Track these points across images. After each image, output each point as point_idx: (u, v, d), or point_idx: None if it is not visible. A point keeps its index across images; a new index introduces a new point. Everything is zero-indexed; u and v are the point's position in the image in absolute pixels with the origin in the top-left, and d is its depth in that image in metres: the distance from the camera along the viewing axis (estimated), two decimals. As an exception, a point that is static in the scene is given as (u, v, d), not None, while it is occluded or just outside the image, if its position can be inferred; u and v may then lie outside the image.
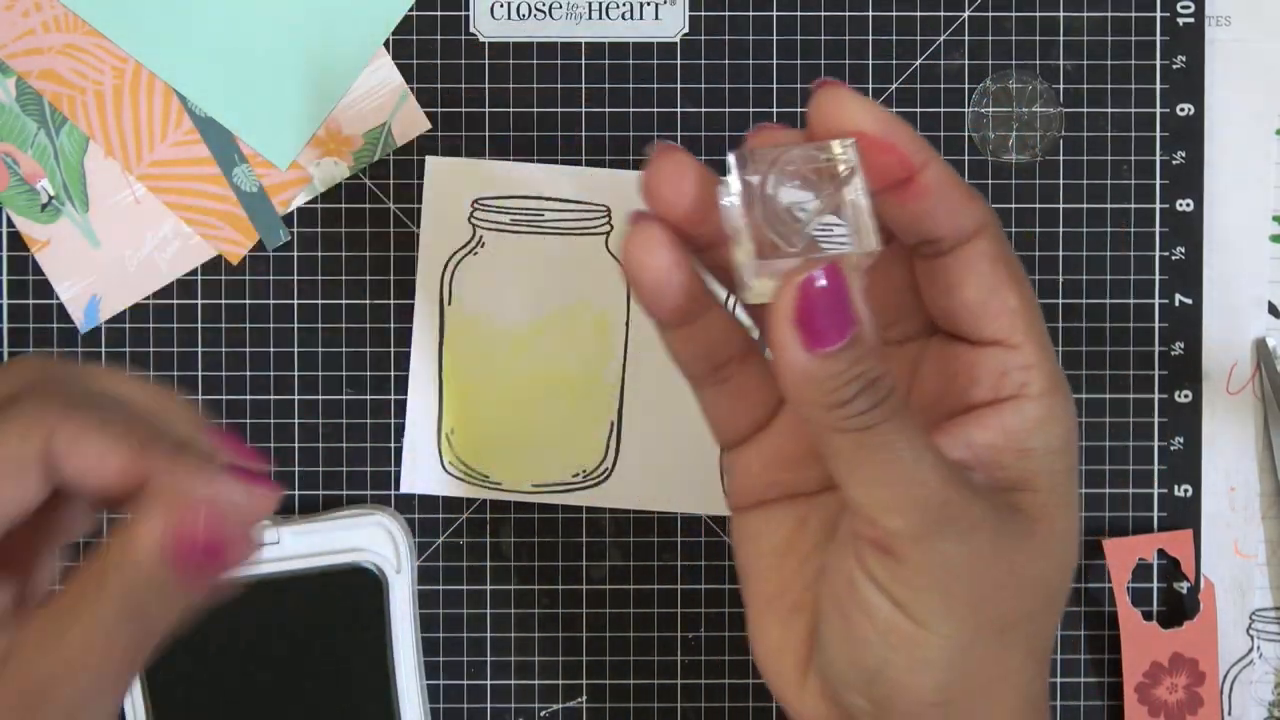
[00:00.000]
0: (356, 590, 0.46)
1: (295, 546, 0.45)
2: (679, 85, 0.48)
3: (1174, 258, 0.48)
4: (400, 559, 0.46)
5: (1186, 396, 0.48)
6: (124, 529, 0.30)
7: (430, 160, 0.48)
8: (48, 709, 0.30)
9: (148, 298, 0.48)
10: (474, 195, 0.48)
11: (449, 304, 0.48)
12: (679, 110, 0.48)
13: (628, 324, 0.48)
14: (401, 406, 0.48)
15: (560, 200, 0.48)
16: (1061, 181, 0.48)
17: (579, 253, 0.48)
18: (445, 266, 0.48)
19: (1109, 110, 0.48)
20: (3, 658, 0.30)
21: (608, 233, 0.48)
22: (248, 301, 0.48)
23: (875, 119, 0.31)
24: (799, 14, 0.48)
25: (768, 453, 0.35)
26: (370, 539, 0.46)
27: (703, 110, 0.48)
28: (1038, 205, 0.48)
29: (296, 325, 0.48)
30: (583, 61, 0.48)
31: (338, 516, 0.46)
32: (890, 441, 0.30)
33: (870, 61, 0.48)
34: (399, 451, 0.48)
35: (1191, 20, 0.48)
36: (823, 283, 0.30)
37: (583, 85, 0.48)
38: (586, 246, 0.48)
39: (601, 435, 0.48)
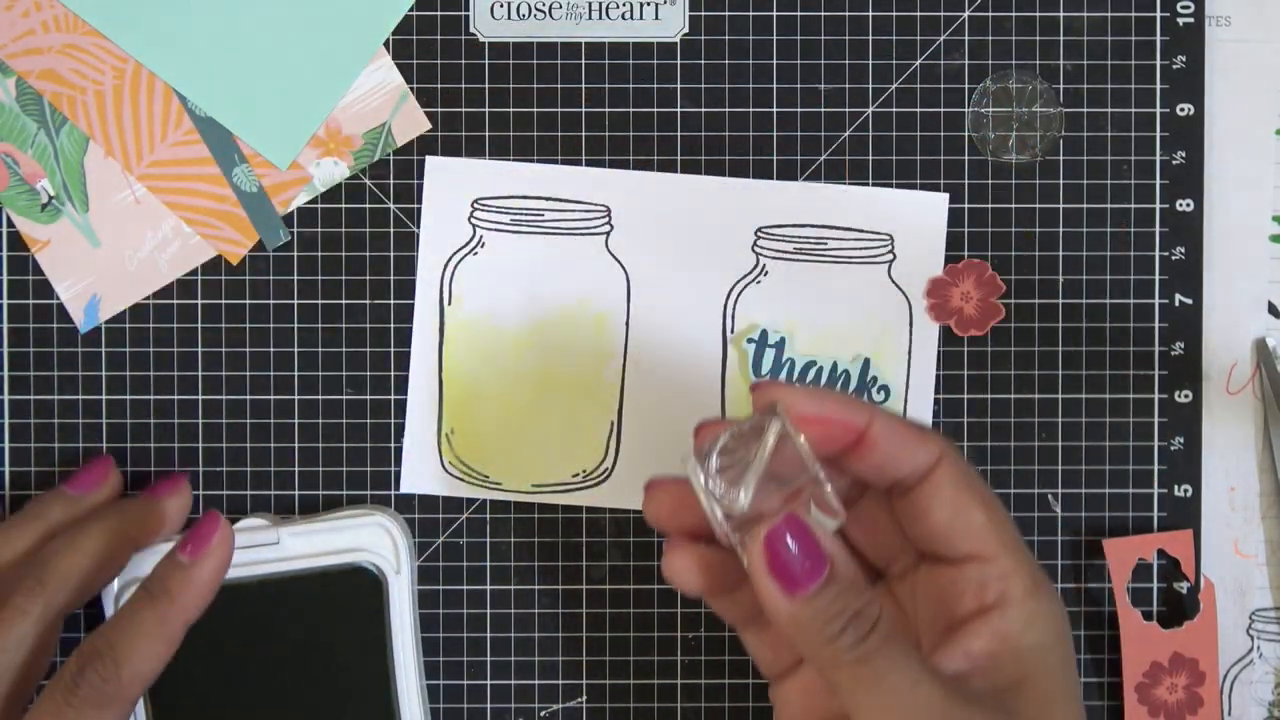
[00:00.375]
0: (356, 590, 0.46)
1: (295, 547, 0.45)
2: (679, 85, 0.48)
3: (1174, 258, 0.48)
4: (400, 559, 0.46)
5: (1186, 396, 0.48)
6: None
7: (430, 160, 0.48)
8: None
9: (148, 298, 0.48)
10: (474, 195, 0.48)
11: (449, 304, 0.48)
12: (679, 110, 0.48)
13: (628, 324, 0.48)
14: (401, 406, 0.48)
15: (560, 200, 0.48)
16: (1061, 181, 0.48)
17: (579, 253, 0.48)
18: (445, 266, 0.48)
19: (1109, 110, 0.48)
20: None
21: (608, 233, 0.48)
22: (248, 301, 0.48)
23: (808, 399, 0.35)
24: (799, 14, 0.48)
25: (805, 684, 0.38)
26: (370, 539, 0.46)
27: (703, 110, 0.48)
28: (1038, 205, 0.48)
29: (296, 325, 0.48)
30: (583, 61, 0.48)
31: (337, 517, 0.46)
32: (884, 670, 0.33)
33: (870, 61, 0.48)
34: (399, 451, 0.48)
35: (1191, 20, 0.48)
36: (786, 531, 0.33)
37: (583, 85, 0.48)
38: (587, 246, 0.48)
39: (601, 435, 0.48)
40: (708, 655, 0.48)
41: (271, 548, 0.45)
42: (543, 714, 0.48)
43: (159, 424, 0.48)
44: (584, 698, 0.48)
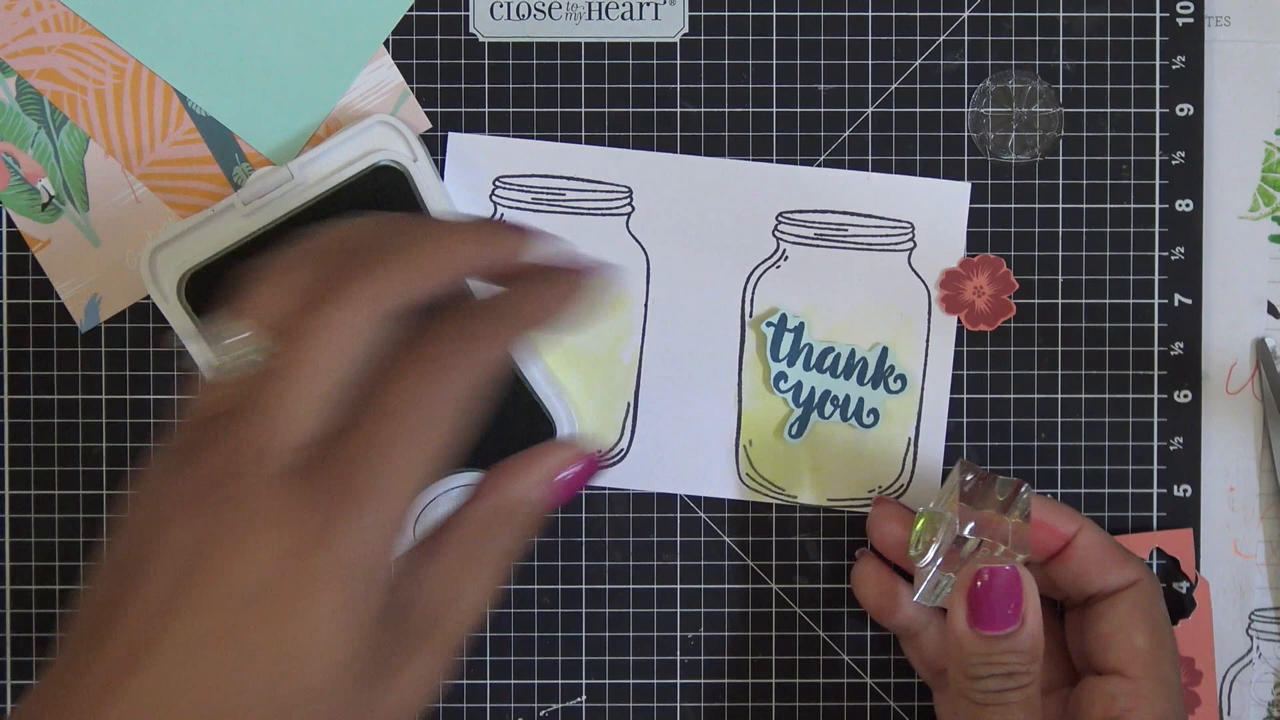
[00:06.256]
0: (384, 188, 0.45)
1: (311, 173, 0.45)
2: (679, 85, 0.48)
3: (1174, 258, 0.48)
4: (413, 148, 0.45)
5: (1186, 396, 0.48)
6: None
7: (453, 137, 0.48)
8: None
9: (148, 297, 0.48)
10: (496, 173, 0.48)
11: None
12: (678, 110, 0.48)
13: (646, 305, 0.48)
14: (401, 406, 0.48)
15: (582, 180, 0.48)
16: (1061, 181, 0.48)
17: (600, 233, 0.48)
18: (465, 245, 0.48)
19: (1109, 110, 0.48)
20: None
21: (629, 214, 0.48)
22: (248, 301, 0.48)
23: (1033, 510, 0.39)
24: (799, 14, 0.48)
25: (949, 699, 0.40)
26: (378, 139, 0.45)
27: (702, 110, 0.48)
28: (1038, 205, 0.48)
29: (296, 325, 0.48)
30: (582, 61, 0.48)
31: (339, 133, 0.46)
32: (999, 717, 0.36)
33: (870, 61, 0.48)
34: (399, 451, 0.48)
35: (1191, 20, 0.48)
36: (1000, 579, 0.37)
37: (582, 85, 0.48)
38: (607, 227, 0.48)
39: (618, 416, 0.48)
40: (708, 655, 0.48)
41: (289, 184, 0.45)
42: (542, 714, 0.48)
43: (159, 424, 0.48)
44: (584, 698, 0.48)
